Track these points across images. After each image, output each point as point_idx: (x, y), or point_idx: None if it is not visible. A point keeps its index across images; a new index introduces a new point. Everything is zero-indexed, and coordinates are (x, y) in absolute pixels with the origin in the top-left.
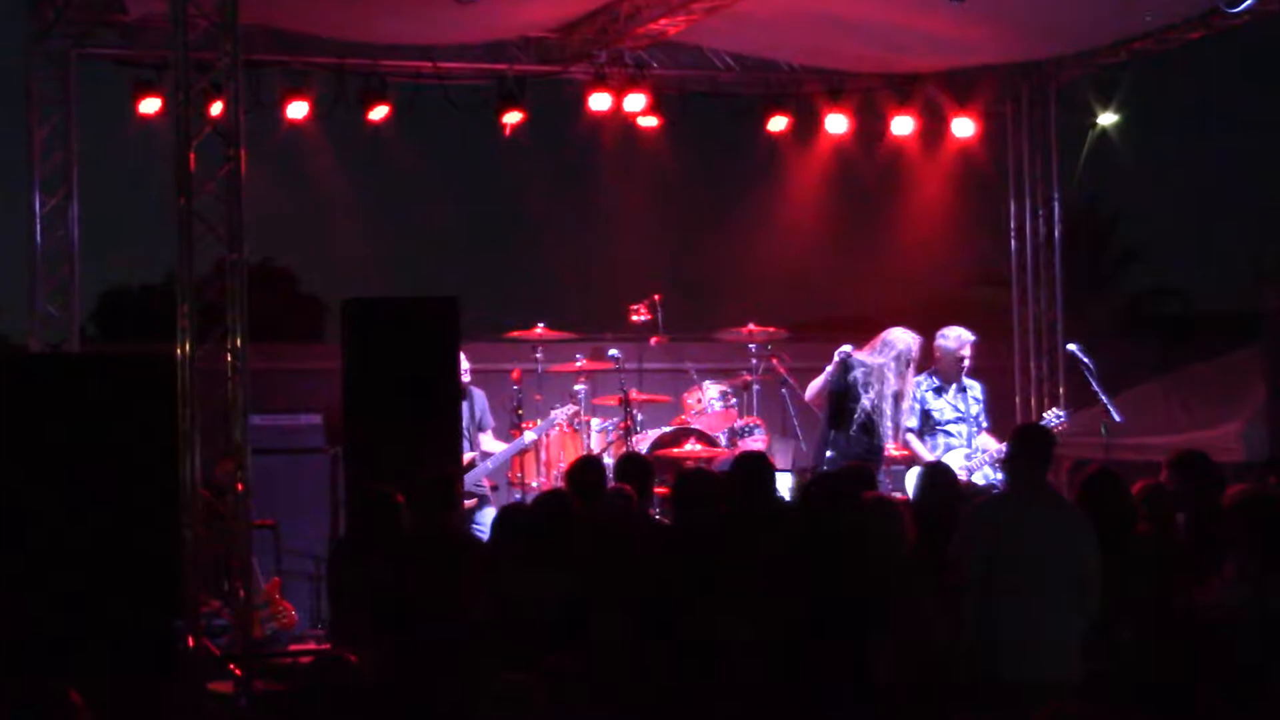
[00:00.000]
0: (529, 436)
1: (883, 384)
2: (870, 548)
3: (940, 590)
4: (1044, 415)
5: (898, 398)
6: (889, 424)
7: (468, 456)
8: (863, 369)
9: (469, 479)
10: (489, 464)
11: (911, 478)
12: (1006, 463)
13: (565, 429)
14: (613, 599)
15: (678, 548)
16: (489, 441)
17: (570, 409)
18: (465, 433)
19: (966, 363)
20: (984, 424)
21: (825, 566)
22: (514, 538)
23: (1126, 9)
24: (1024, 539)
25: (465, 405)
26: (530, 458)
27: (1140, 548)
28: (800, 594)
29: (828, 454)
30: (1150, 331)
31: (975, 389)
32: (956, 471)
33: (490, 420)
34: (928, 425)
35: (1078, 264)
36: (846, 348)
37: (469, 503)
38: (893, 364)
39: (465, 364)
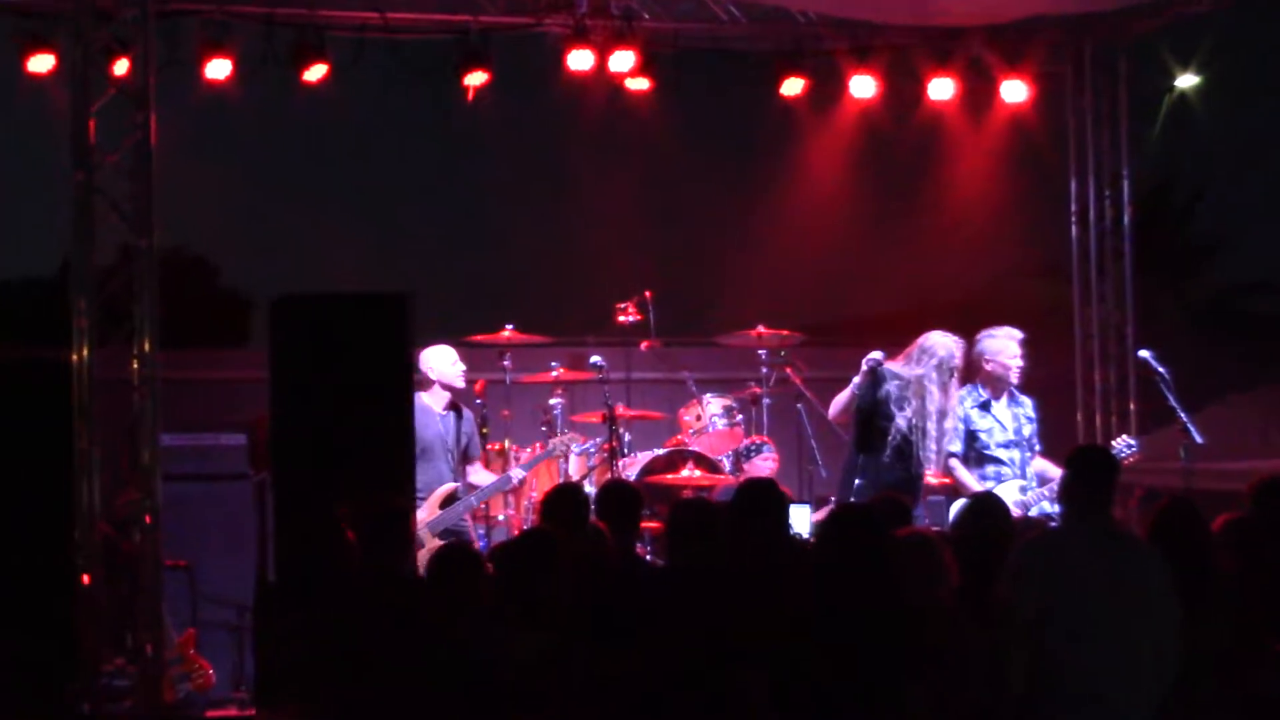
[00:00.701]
0: (515, 475)
1: (923, 399)
2: (906, 592)
3: (986, 639)
4: (1112, 443)
5: (941, 415)
6: (931, 447)
7: (449, 487)
8: (897, 382)
9: (449, 515)
10: (474, 499)
11: (956, 512)
12: (1063, 491)
13: (538, 451)
14: (597, 654)
15: (674, 592)
16: (478, 473)
17: (571, 438)
18: (449, 459)
19: (1017, 369)
20: (1037, 446)
21: (853, 614)
22: (480, 583)
23: None
24: (1084, 580)
25: (453, 426)
26: None
27: (1222, 592)
28: (824, 645)
29: (855, 482)
30: (1238, 335)
31: (1027, 405)
32: (1010, 506)
33: (479, 448)
34: (974, 449)
35: (1151, 255)
36: (877, 355)
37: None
38: (934, 375)
39: (457, 371)
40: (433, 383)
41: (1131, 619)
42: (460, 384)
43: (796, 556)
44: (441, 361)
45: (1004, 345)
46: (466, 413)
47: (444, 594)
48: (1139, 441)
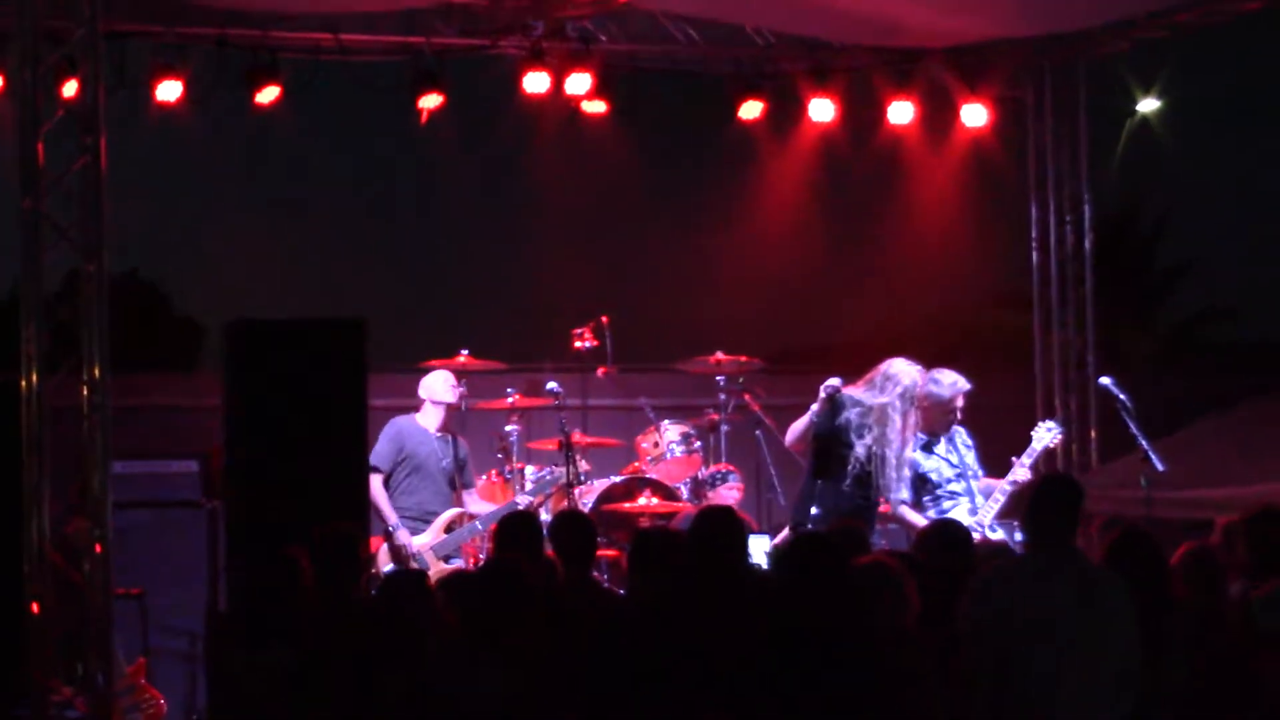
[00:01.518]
0: (521, 500)
1: (885, 427)
2: (865, 621)
3: (948, 670)
4: (1034, 430)
5: (902, 444)
6: (891, 475)
7: (454, 513)
8: (858, 409)
9: (454, 539)
10: (478, 524)
11: (918, 536)
12: (1026, 519)
13: (493, 479)
14: (564, 688)
15: (638, 624)
16: (475, 501)
17: (554, 477)
18: (444, 479)
19: (958, 415)
20: (979, 472)
21: (812, 644)
22: (427, 619)
23: None
24: (1047, 610)
25: (449, 448)
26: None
27: (1179, 623)
28: (784, 676)
29: (812, 510)
30: (1201, 362)
31: (962, 434)
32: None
33: (473, 476)
34: (926, 490)
35: (1114, 281)
36: (834, 382)
37: (445, 567)
38: (897, 403)
39: (447, 387)
40: (428, 403)
41: (1093, 648)
42: (450, 398)
43: (757, 585)
44: (435, 380)
45: (950, 391)
46: (461, 440)
47: (396, 620)
48: (1057, 422)
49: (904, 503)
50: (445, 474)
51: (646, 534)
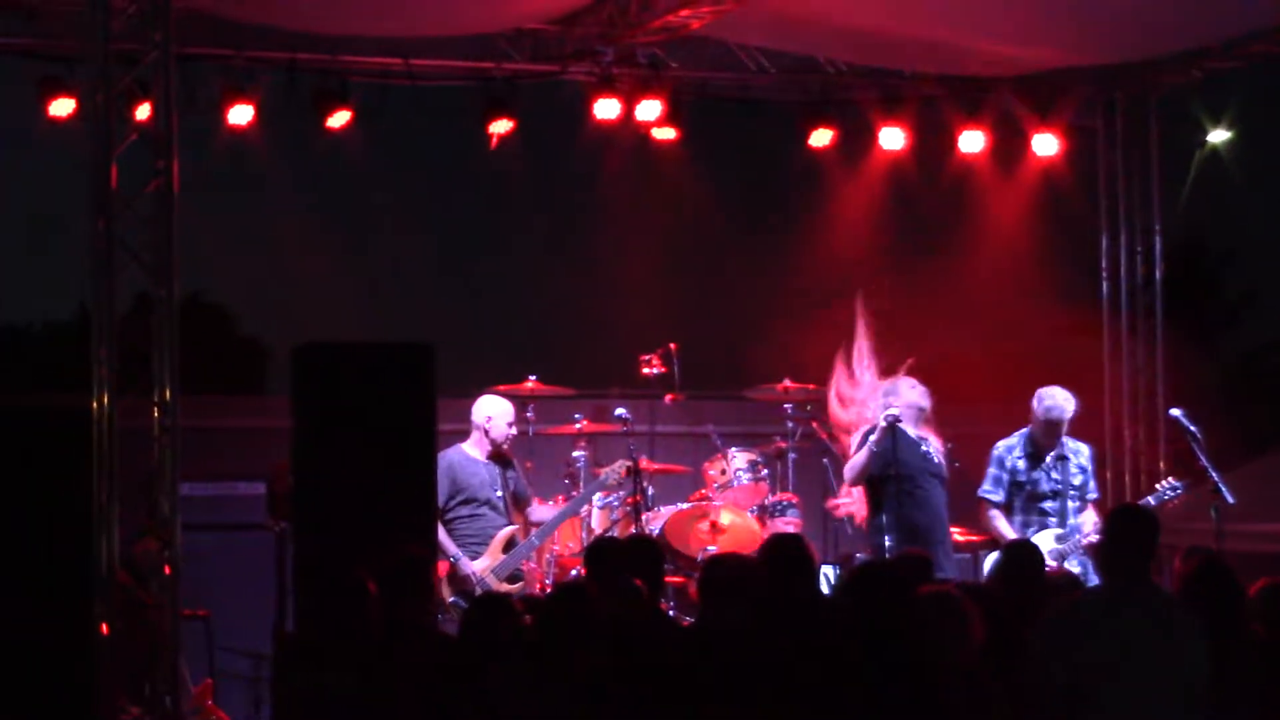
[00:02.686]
0: (593, 500)
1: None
2: (928, 652)
3: (1016, 703)
4: (1156, 486)
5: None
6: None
7: (509, 531)
8: (913, 434)
9: (513, 558)
10: (535, 537)
11: (992, 562)
12: (1100, 552)
13: (561, 503)
14: (629, 715)
15: (706, 652)
16: (538, 511)
17: (621, 464)
18: (499, 506)
19: (1062, 431)
20: (1090, 495)
21: (874, 674)
22: (509, 640)
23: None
24: (1119, 644)
25: (498, 473)
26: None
27: (1251, 660)
28: (848, 707)
29: (886, 541)
30: (1271, 394)
31: (1083, 454)
32: (1045, 556)
33: (527, 491)
34: (1018, 498)
35: (1183, 312)
36: (895, 410)
37: (507, 588)
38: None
39: (508, 432)
40: (480, 431)
41: (1165, 684)
42: (504, 444)
43: (827, 613)
44: (499, 416)
45: (1049, 410)
46: (514, 460)
47: (477, 642)
48: (1183, 484)
49: (996, 505)
50: (499, 499)
51: (716, 560)
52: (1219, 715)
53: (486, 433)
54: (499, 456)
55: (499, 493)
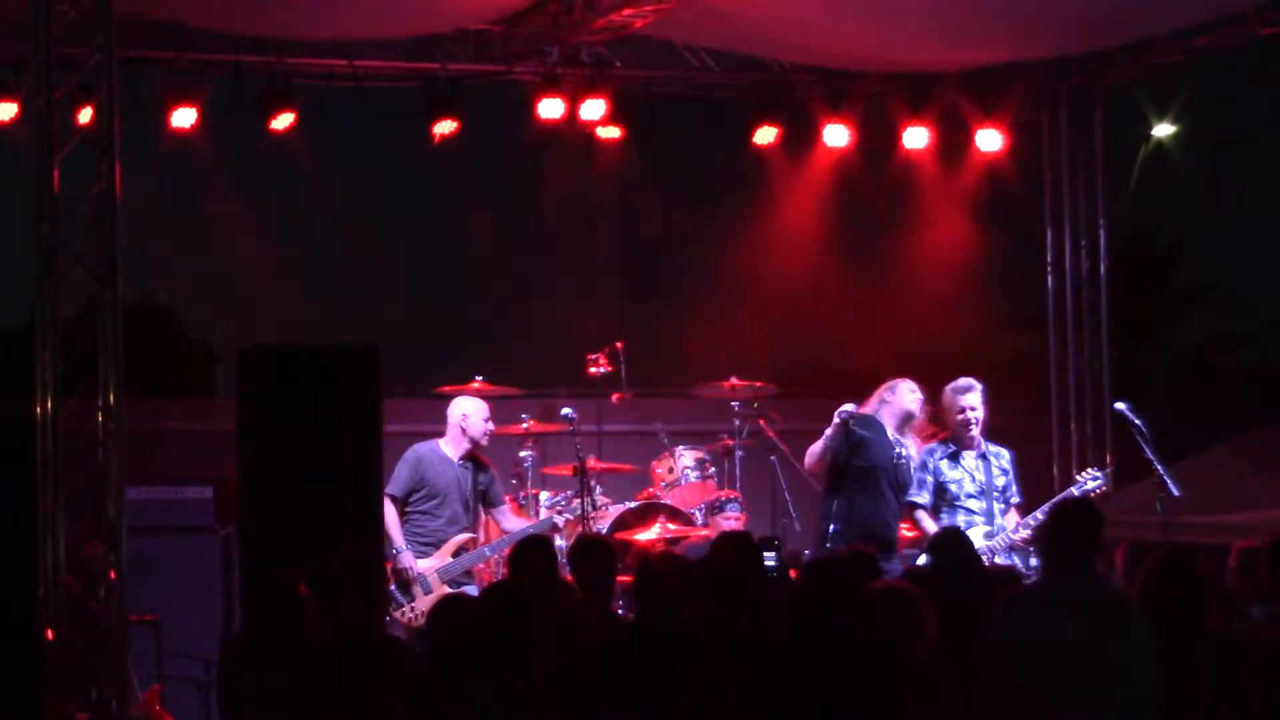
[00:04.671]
0: (559, 518)
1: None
2: (880, 648)
3: (967, 699)
4: (1077, 477)
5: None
6: (907, 477)
7: (464, 537)
8: (866, 427)
9: (459, 563)
10: (487, 550)
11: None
12: (1044, 546)
13: (509, 503)
14: (569, 715)
15: (643, 650)
16: (508, 518)
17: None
18: (466, 507)
19: (973, 418)
20: (1012, 498)
21: (824, 671)
22: (452, 641)
23: None
24: (1069, 638)
25: (470, 475)
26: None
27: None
28: (796, 705)
29: (831, 527)
30: (1218, 386)
31: (1004, 458)
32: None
33: (500, 494)
34: (944, 500)
35: (1128, 305)
36: (849, 407)
37: (448, 591)
38: (890, 420)
39: (484, 429)
40: (456, 429)
41: (1114, 676)
42: (483, 441)
43: (772, 610)
44: (475, 413)
45: (953, 400)
46: (487, 463)
47: (398, 645)
48: (1104, 474)
49: (922, 506)
50: (465, 502)
51: (652, 559)
52: (1182, 713)
53: (464, 430)
54: (474, 458)
55: (467, 493)
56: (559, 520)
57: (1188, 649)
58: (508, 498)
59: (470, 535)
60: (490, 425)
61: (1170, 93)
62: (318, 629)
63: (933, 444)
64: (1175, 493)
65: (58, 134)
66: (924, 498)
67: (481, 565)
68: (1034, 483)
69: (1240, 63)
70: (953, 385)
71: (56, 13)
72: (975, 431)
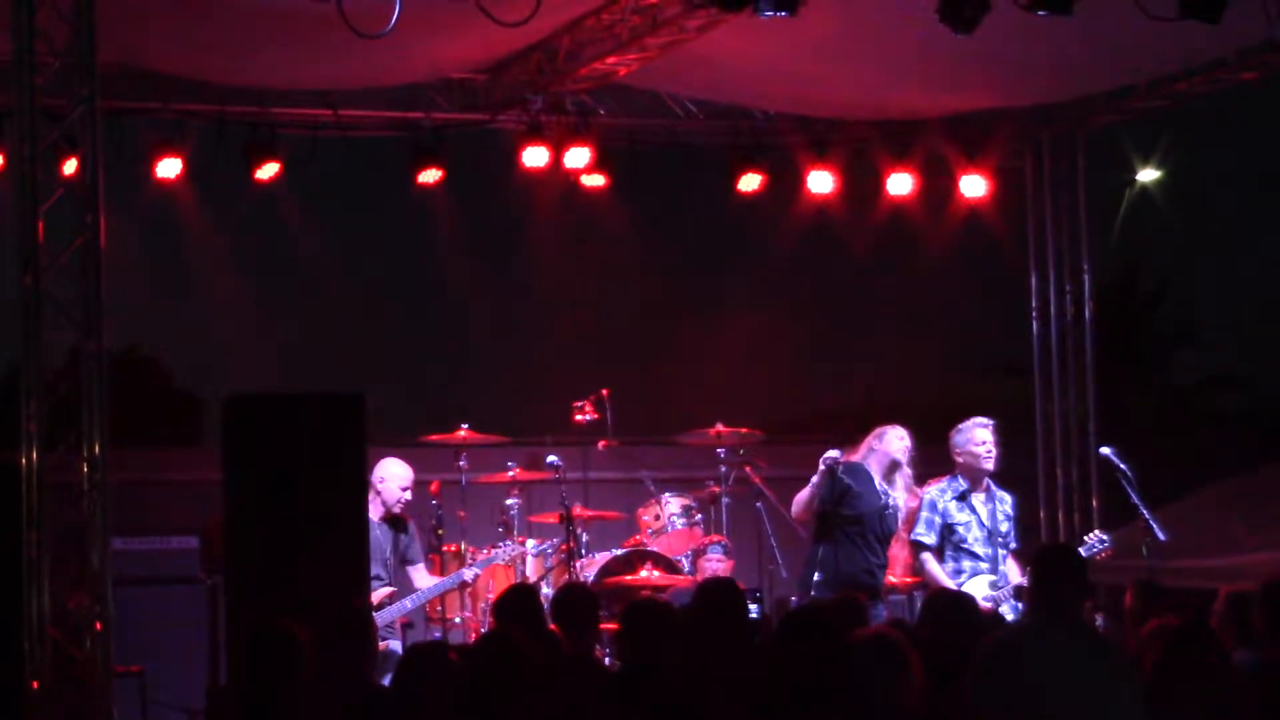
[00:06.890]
0: (468, 573)
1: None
2: (870, 695)
3: None
4: (1085, 539)
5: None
6: (893, 526)
7: (386, 591)
8: (853, 476)
9: (382, 617)
10: (408, 602)
11: (922, 605)
12: (1031, 590)
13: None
14: None
15: (628, 699)
16: (421, 576)
17: (514, 549)
18: (385, 567)
19: (988, 456)
20: (1013, 544)
21: (812, 718)
22: (435, 691)
23: (1163, 41)
24: (1055, 682)
25: (389, 535)
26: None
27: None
28: None
29: (815, 576)
30: (1204, 430)
31: (1007, 502)
32: (980, 601)
33: (420, 553)
34: (950, 543)
35: (1114, 350)
36: (834, 454)
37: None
38: (877, 468)
39: (402, 496)
40: (373, 491)
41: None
42: (395, 509)
43: (758, 656)
44: (392, 479)
45: (970, 434)
46: (409, 521)
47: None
48: (1110, 537)
49: (928, 549)
50: (384, 561)
51: (636, 606)
52: None
53: (379, 493)
54: (393, 519)
55: (386, 554)
56: (468, 575)
57: (1176, 692)
58: (433, 557)
59: (391, 590)
60: (407, 494)
61: (1154, 137)
62: (312, 679)
63: (942, 482)
64: (1161, 537)
65: (42, 185)
66: (931, 539)
67: (468, 614)
68: (1022, 527)
69: (1223, 106)
70: (968, 425)
71: (41, 62)
72: (992, 466)
